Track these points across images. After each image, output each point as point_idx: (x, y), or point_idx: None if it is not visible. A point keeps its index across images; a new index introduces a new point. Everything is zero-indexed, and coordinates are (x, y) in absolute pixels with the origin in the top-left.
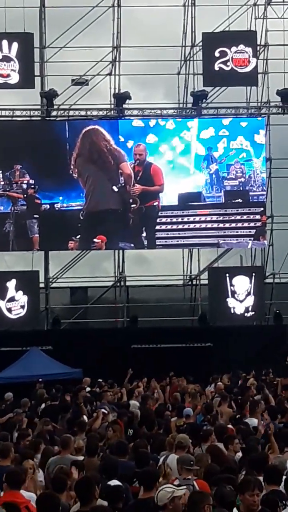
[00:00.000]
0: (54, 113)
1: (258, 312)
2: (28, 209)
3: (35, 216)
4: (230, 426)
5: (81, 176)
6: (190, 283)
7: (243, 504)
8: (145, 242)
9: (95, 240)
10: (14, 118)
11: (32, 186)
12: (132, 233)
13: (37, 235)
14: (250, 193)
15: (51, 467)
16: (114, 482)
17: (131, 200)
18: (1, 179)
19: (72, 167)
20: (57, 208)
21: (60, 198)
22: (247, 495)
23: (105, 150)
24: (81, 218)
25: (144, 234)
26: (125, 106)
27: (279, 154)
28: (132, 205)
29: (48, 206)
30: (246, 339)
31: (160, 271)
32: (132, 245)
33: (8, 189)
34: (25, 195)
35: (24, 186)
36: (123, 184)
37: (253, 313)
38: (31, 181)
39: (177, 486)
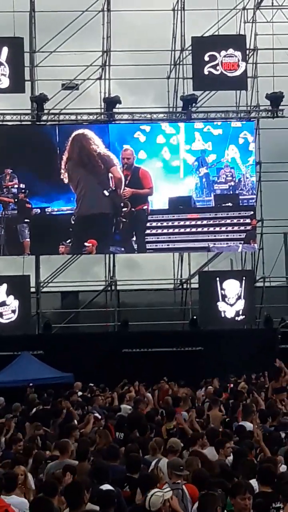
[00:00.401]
0: (44, 117)
1: (248, 316)
2: (19, 214)
3: (26, 220)
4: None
5: (71, 180)
6: (180, 287)
7: (235, 508)
8: (135, 246)
9: (86, 244)
10: (4, 123)
11: (23, 191)
12: (122, 237)
13: (28, 239)
14: (240, 197)
15: (50, 471)
16: (106, 487)
17: (122, 204)
18: None
19: (62, 171)
20: (48, 213)
21: (51, 202)
22: (239, 499)
23: (94, 154)
24: (72, 222)
25: (134, 238)
26: (115, 110)
27: (269, 157)
28: (124, 209)
29: (39, 211)
30: (236, 342)
31: (151, 275)
32: (123, 249)
33: None
34: (15, 200)
35: (15, 190)
36: (113, 188)
37: (244, 316)
38: (22, 186)
39: (163, 490)
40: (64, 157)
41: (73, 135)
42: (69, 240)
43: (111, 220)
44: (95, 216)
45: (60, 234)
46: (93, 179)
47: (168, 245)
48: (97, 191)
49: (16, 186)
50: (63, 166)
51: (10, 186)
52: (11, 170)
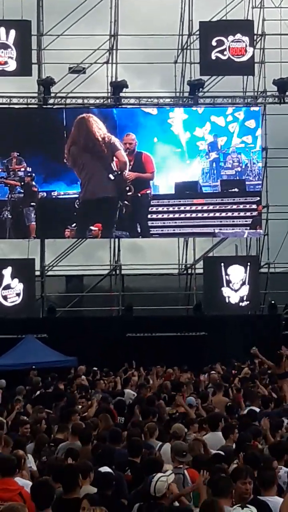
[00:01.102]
0: (51, 101)
1: (253, 302)
2: (25, 197)
3: (32, 204)
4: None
5: (76, 165)
6: (185, 272)
7: (236, 492)
8: (139, 231)
9: (92, 228)
10: (11, 106)
11: (29, 174)
12: (126, 221)
13: (34, 223)
14: (247, 183)
15: (60, 452)
16: (105, 469)
17: (127, 188)
18: None
19: (66, 155)
20: (54, 196)
21: (58, 186)
22: (239, 483)
23: (99, 138)
24: (77, 206)
25: (138, 223)
26: (122, 94)
27: (275, 143)
28: (128, 193)
29: (45, 194)
30: (240, 328)
31: (156, 260)
32: (127, 233)
33: (5, 176)
34: (22, 183)
35: (21, 174)
36: (119, 172)
37: (248, 302)
38: (28, 169)
39: (166, 474)
40: (69, 141)
41: (77, 118)
42: (74, 224)
43: (115, 204)
44: (100, 201)
45: (66, 218)
46: (98, 163)
47: (174, 230)
48: (102, 175)
49: (22, 169)
50: (66, 151)
51: (16, 169)
52: (18, 154)
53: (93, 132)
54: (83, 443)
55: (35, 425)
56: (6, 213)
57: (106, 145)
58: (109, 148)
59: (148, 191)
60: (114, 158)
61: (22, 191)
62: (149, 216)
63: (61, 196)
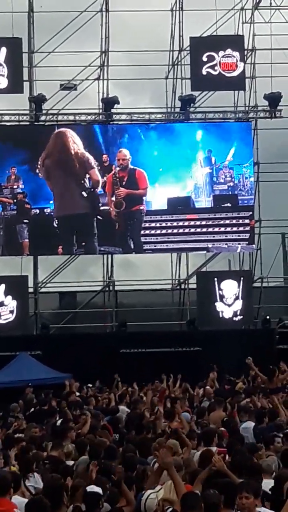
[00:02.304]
0: (42, 117)
1: (246, 316)
2: (18, 214)
3: (24, 221)
4: (223, 429)
5: (49, 179)
6: (178, 287)
7: (238, 507)
8: (132, 246)
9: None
10: (2, 123)
11: (22, 191)
12: (119, 237)
13: (27, 240)
14: (239, 197)
15: (79, 467)
16: (92, 489)
17: (100, 205)
18: None
19: (39, 167)
20: (47, 213)
21: (51, 202)
22: (238, 498)
23: (72, 153)
24: (55, 225)
25: (131, 238)
26: (113, 110)
27: (267, 158)
28: (114, 210)
29: (38, 211)
30: (234, 343)
31: (148, 275)
32: (121, 249)
33: None
34: (14, 200)
35: (15, 191)
36: (91, 190)
37: (242, 317)
38: (21, 186)
39: (155, 490)
40: (43, 153)
41: (55, 132)
42: (61, 245)
43: (91, 220)
44: (74, 217)
45: (59, 235)
46: (70, 179)
47: (167, 245)
48: (75, 192)
49: (15, 186)
50: (40, 162)
51: (14, 187)
52: (16, 170)
53: (68, 146)
54: (92, 459)
55: (28, 444)
56: None
57: (79, 161)
58: (81, 164)
59: (142, 207)
60: (87, 175)
61: (15, 208)
62: (142, 232)
63: (53, 213)
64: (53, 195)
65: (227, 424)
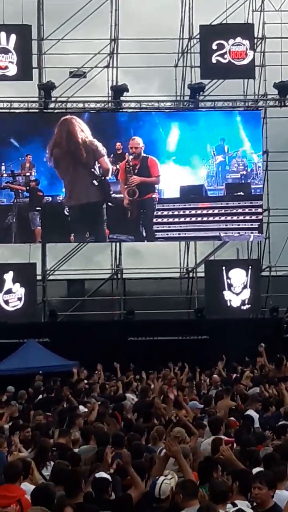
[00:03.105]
0: (51, 105)
1: (254, 305)
2: (31, 202)
3: (37, 208)
4: (232, 418)
5: (59, 167)
6: (186, 276)
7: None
8: (144, 235)
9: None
10: (12, 110)
11: (35, 179)
12: (132, 225)
13: (39, 227)
14: (252, 186)
15: (84, 455)
16: (100, 474)
17: (129, 192)
18: (4, 172)
19: (47, 156)
20: (59, 201)
21: (63, 190)
22: (252, 487)
23: (80, 141)
24: (66, 213)
25: (144, 227)
26: (122, 98)
27: (276, 147)
28: (127, 198)
29: (50, 199)
30: (242, 332)
31: (157, 264)
32: (133, 237)
33: (10, 181)
34: (27, 188)
35: (28, 178)
36: (102, 178)
37: (250, 306)
38: (34, 174)
39: (168, 477)
40: (51, 142)
41: (61, 120)
42: (73, 234)
43: (101, 208)
44: (85, 206)
45: (69, 222)
46: (80, 168)
47: (179, 234)
48: (86, 181)
49: (28, 174)
50: (48, 151)
51: (27, 174)
52: (32, 157)
53: (75, 134)
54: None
55: (35, 430)
56: (12, 217)
57: (86, 150)
58: (90, 153)
59: (154, 195)
60: (97, 163)
61: (28, 195)
62: (154, 220)
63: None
64: (63, 184)
65: (235, 412)
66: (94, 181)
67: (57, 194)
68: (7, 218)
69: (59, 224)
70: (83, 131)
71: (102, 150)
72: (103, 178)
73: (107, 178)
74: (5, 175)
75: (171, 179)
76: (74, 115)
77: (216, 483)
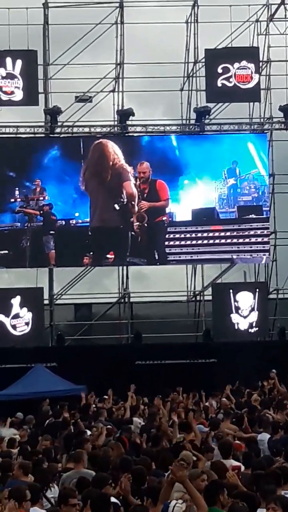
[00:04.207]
0: (57, 129)
1: (262, 328)
2: (44, 225)
3: (51, 232)
4: (237, 442)
5: (87, 190)
6: (194, 299)
7: None
8: (157, 257)
9: (108, 256)
10: (18, 135)
11: (48, 203)
12: (144, 249)
13: (53, 250)
14: (264, 208)
15: (66, 481)
16: (111, 499)
17: (137, 217)
18: (18, 196)
19: (81, 179)
20: (72, 224)
21: (76, 214)
22: (266, 509)
23: (110, 164)
24: (90, 234)
25: (156, 250)
26: (128, 122)
27: (282, 169)
28: (136, 223)
29: (63, 223)
30: (250, 354)
31: (164, 287)
32: (145, 260)
33: (24, 205)
34: (41, 212)
35: (41, 203)
36: (125, 203)
37: (257, 328)
38: (47, 198)
39: (177, 500)
40: (84, 165)
41: (95, 142)
42: (91, 252)
43: (124, 234)
44: (107, 229)
45: (84, 246)
46: (103, 190)
47: (191, 256)
48: (108, 203)
49: (41, 198)
50: (81, 174)
51: (35, 199)
52: (41, 182)
53: (107, 156)
54: (100, 470)
55: (42, 455)
56: (26, 241)
57: (114, 172)
58: (116, 176)
59: (164, 218)
60: (122, 188)
61: (41, 219)
62: (166, 243)
63: (79, 224)
64: (89, 206)
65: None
66: (116, 205)
67: (71, 218)
68: (21, 242)
69: (72, 247)
70: (116, 154)
71: (130, 174)
72: (125, 203)
73: (130, 204)
74: (19, 199)
75: (183, 202)
76: (82, 139)
77: (236, 507)
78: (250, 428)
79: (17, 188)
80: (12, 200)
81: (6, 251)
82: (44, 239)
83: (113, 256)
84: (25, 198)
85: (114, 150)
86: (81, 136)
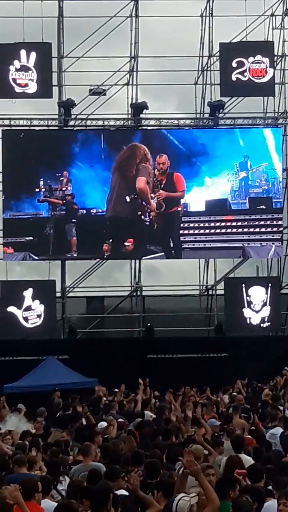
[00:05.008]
0: (71, 122)
1: (274, 323)
2: (67, 214)
3: (73, 220)
4: (249, 436)
5: (111, 183)
6: (206, 293)
7: None
8: (172, 245)
9: (125, 244)
10: (31, 128)
11: (70, 193)
12: (159, 237)
13: (75, 237)
14: (274, 200)
15: (75, 475)
16: (121, 492)
17: (155, 205)
18: (42, 186)
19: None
20: (92, 214)
21: (96, 204)
22: (277, 504)
23: (136, 162)
24: (107, 223)
25: (171, 238)
26: (142, 116)
27: None
28: (153, 211)
29: (84, 212)
30: (261, 349)
31: (176, 281)
32: (161, 248)
33: (48, 195)
34: (64, 201)
35: (64, 193)
36: (135, 197)
37: (269, 323)
38: (70, 188)
39: (190, 495)
40: (115, 162)
41: (130, 144)
42: (111, 240)
43: (136, 223)
44: (120, 219)
45: (103, 234)
46: (121, 183)
47: (204, 244)
48: (121, 196)
49: (64, 188)
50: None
51: (63, 189)
52: (68, 173)
53: (136, 155)
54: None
55: (56, 447)
56: (50, 229)
57: (136, 168)
58: (135, 171)
59: (179, 209)
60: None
61: (64, 208)
62: (180, 231)
63: (99, 213)
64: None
65: (254, 433)
66: (127, 197)
67: (91, 208)
68: (45, 229)
69: (92, 236)
70: (145, 156)
71: (148, 171)
72: (136, 197)
73: (140, 198)
74: (43, 189)
75: (197, 193)
76: (94, 132)
77: (241, 503)
78: (261, 422)
79: (41, 179)
80: (37, 190)
81: (32, 238)
82: (67, 227)
83: (130, 244)
84: (49, 188)
85: (145, 153)
86: (95, 129)
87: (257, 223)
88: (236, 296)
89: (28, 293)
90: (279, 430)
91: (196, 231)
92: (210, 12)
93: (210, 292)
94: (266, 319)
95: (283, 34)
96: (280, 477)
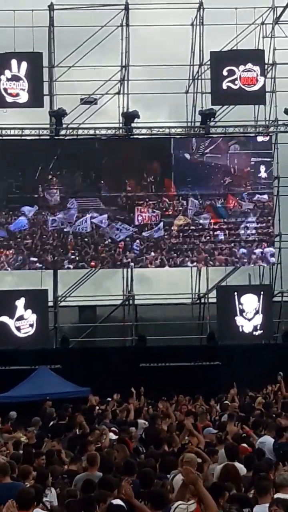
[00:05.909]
0: (62, 132)
1: (266, 331)
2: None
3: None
4: (244, 445)
5: None
6: (198, 301)
7: None
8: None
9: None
10: (23, 138)
11: None
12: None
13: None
14: (265, 203)
15: (78, 484)
16: (117, 502)
17: None
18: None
19: None
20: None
21: None
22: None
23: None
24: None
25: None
26: (133, 125)
27: (287, 172)
28: None
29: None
30: (254, 357)
31: (168, 290)
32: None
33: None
34: None
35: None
36: None
37: (262, 331)
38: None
39: (187, 502)
40: None
41: None
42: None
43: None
44: None
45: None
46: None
47: (195, 252)
48: None
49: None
50: None
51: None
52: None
53: None
54: (105, 472)
55: (49, 457)
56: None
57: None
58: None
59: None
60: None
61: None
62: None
63: None
64: None
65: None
66: None
67: None
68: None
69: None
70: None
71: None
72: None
73: None
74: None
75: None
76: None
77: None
78: (253, 430)
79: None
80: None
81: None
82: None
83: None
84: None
85: None
86: (86, 139)
87: (248, 225)
88: (229, 304)
89: (20, 302)
90: (267, 439)
91: (187, 240)
92: (201, 20)
93: (202, 301)
94: (258, 327)
95: (273, 42)
96: (263, 482)
